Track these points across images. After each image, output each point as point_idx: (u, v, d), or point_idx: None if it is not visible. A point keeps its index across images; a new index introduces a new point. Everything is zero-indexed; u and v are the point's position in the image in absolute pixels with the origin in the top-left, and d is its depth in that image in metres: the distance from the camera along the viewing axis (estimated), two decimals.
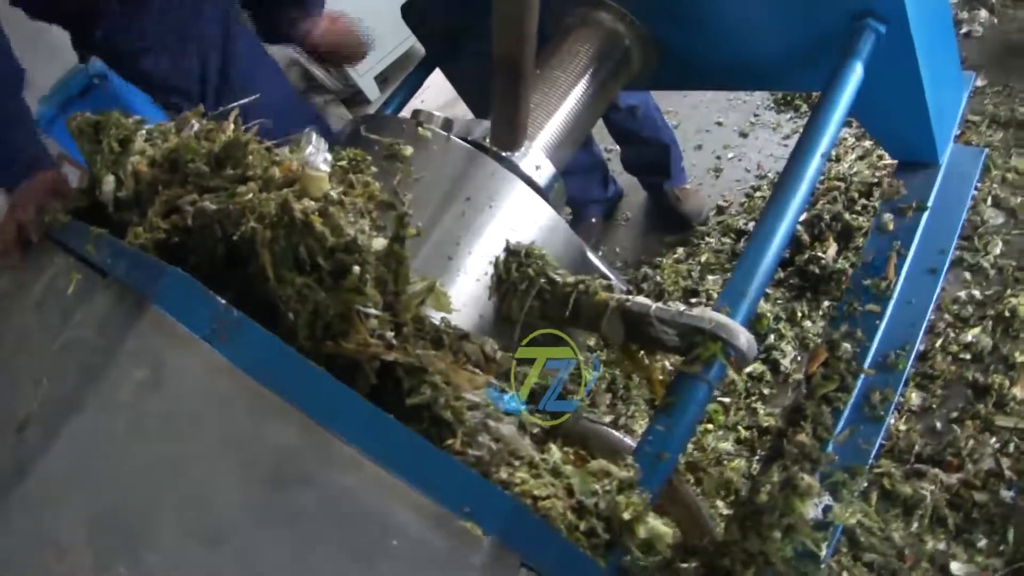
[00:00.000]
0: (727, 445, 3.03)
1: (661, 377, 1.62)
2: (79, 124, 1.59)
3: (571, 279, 1.58)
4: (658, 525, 1.26)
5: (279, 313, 1.21)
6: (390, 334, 1.29)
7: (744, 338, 1.36)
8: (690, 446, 3.00)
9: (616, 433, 1.58)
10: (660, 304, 1.43)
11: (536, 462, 1.24)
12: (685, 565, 1.66)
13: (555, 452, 1.28)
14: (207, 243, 1.25)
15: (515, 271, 1.62)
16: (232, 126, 1.37)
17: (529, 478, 1.20)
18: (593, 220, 4.30)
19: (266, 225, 1.16)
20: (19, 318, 1.37)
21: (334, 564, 1.01)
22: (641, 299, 1.47)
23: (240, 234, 1.18)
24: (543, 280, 1.60)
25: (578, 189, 4.11)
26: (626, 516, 1.23)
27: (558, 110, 1.99)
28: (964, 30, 4.01)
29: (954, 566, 2.39)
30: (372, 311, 1.27)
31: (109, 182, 1.44)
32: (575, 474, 1.25)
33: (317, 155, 1.42)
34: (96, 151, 1.54)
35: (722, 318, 1.37)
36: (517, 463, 1.22)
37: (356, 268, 1.21)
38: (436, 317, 1.42)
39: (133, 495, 1.01)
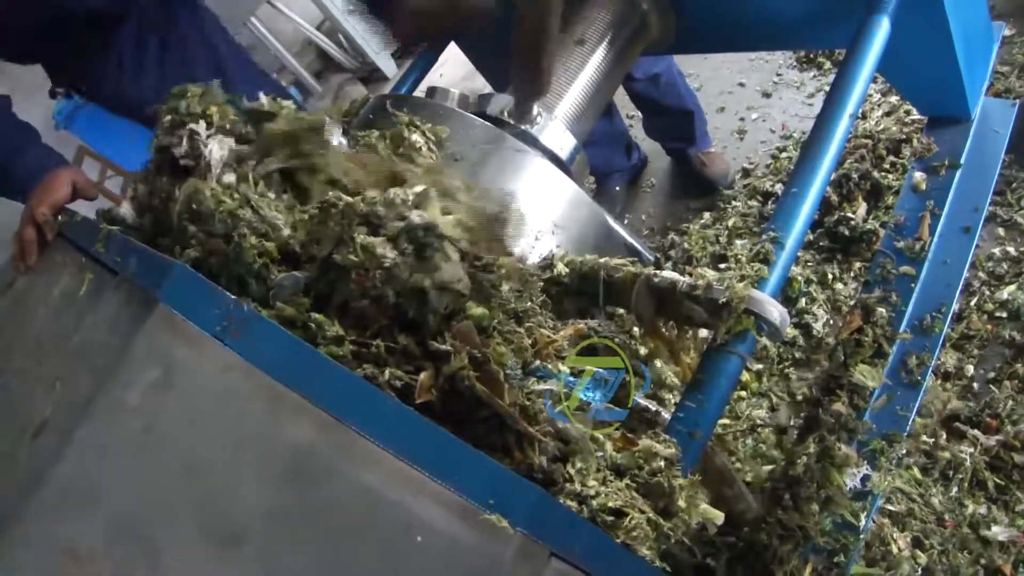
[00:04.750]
0: (761, 412, 3.00)
1: (692, 356, 1.59)
2: None
3: (601, 261, 1.55)
4: (710, 509, 1.26)
5: None
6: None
7: (777, 312, 1.32)
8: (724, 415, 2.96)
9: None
10: (688, 279, 1.39)
11: (599, 462, 1.23)
12: (722, 538, 1.63)
13: (607, 445, 1.26)
14: None
15: None
16: None
17: (600, 486, 1.19)
18: (617, 189, 4.25)
19: None
20: (34, 321, 1.35)
21: (358, 562, 0.99)
22: (669, 273, 1.43)
23: None
24: None
25: (601, 160, 4.06)
26: (682, 503, 1.22)
27: (576, 80, 1.94)
28: None
29: (995, 529, 2.35)
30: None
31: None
32: (628, 461, 1.24)
33: None
34: None
35: (754, 292, 1.33)
36: (581, 465, 1.21)
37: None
38: None
39: (149, 499, 0.99)
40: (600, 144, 3.97)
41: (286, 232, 1.33)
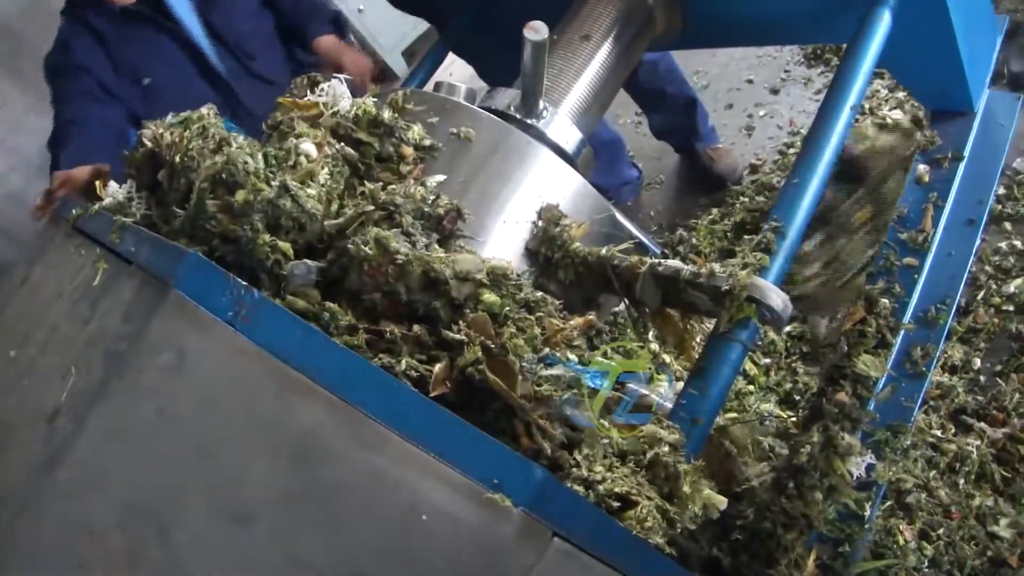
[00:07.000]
0: (769, 406, 3.00)
1: (697, 342, 1.61)
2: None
3: (604, 251, 1.56)
4: (713, 494, 1.27)
5: None
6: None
7: (779, 299, 1.34)
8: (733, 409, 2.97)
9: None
10: (692, 267, 1.41)
11: (605, 449, 1.25)
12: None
13: (613, 431, 1.27)
14: None
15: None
16: None
17: (606, 472, 1.21)
18: (629, 204, 4.23)
19: None
20: (48, 310, 1.37)
21: (364, 541, 1.01)
22: (672, 262, 1.45)
23: None
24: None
25: (610, 175, 4.05)
26: (687, 489, 1.23)
27: (582, 75, 1.96)
28: None
29: (1002, 523, 2.36)
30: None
31: None
32: (632, 445, 1.26)
33: None
34: None
35: (756, 279, 1.34)
36: (588, 452, 1.23)
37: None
38: None
39: (162, 480, 1.01)
40: (605, 160, 3.94)
41: (318, 226, 1.37)
